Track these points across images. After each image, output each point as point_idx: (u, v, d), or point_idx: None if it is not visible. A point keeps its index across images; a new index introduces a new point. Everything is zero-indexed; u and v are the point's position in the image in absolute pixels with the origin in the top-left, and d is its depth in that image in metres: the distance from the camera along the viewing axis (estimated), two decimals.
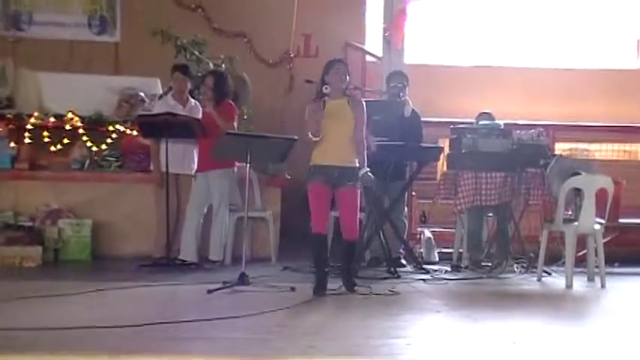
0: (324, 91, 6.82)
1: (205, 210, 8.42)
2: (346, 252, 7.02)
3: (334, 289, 6.89)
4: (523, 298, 7.21)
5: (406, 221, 8.92)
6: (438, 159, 8.91)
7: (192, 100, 8.73)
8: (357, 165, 6.91)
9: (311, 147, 6.91)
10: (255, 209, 8.86)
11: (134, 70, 10.54)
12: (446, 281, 7.80)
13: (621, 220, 9.46)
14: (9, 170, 8.97)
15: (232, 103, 8.47)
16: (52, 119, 9.11)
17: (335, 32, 11.21)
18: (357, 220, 7.11)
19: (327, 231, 7.05)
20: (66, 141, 9.11)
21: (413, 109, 8.65)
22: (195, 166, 8.55)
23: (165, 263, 8.16)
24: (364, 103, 7.08)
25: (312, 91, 7.16)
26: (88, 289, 6.62)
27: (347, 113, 6.89)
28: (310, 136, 6.80)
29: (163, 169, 8.43)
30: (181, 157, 8.53)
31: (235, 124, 8.35)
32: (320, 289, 6.78)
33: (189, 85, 8.74)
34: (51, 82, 9.62)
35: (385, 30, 9.75)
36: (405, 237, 8.74)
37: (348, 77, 6.95)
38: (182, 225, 8.40)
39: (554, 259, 8.44)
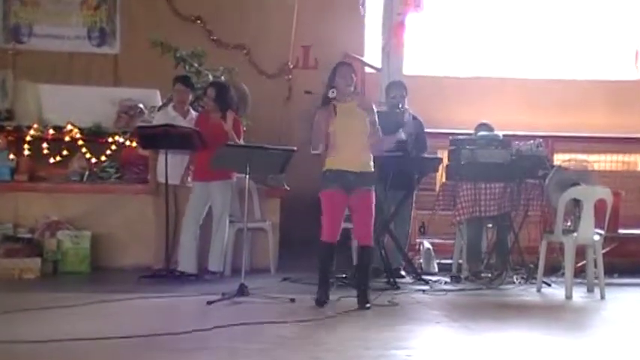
0: (331, 95, 6.71)
1: (202, 220, 8.41)
2: (361, 262, 6.89)
3: (333, 300, 6.89)
4: (523, 309, 7.21)
5: (410, 231, 8.91)
6: (437, 170, 8.92)
7: (193, 112, 8.75)
8: (373, 170, 6.83)
9: (322, 154, 6.80)
10: (255, 220, 8.86)
11: (133, 81, 10.55)
12: (445, 292, 7.80)
13: (620, 231, 9.46)
14: (8, 182, 8.96)
15: (237, 117, 8.46)
16: (51, 131, 9.11)
17: (334, 43, 11.24)
18: (372, 224, 6.92)
19: (336, 241, 6.88)
20: (65, 152, 9.11)
21: (414, 116, 8.62)
22: (184, 176, 8.56)
23: (165, 274, 8.14)
24: (372, 102, 6.95)
25: (311, 102, 7.14)
26: (87, 301, 6.61)
27: (359, 115, 6.76)
28: (313, 150, 6.71)
29: (159, 179, 8.46)
30: (180, 168, 8.53)
31: (241, 141, 8.33)
32: (322, 300, 6.74)
33: (190, 97, 8.76)
34: (50, 94, 9.62)
35: (384, 44, 9.78)
36: (405, 247, 8.74)
37: (355, 78, 6.85)
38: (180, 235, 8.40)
39: (554, 269, 8.45)
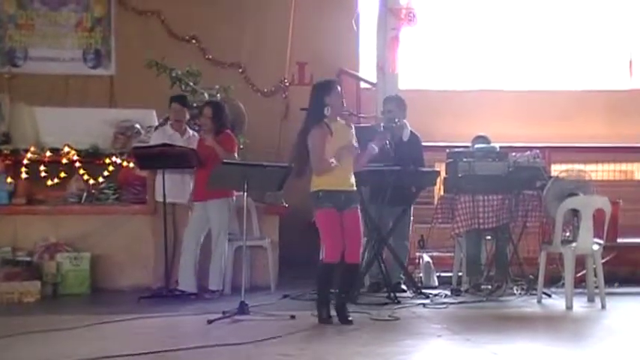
0: (326, 113, 6.72)
1: (202, 239, 8.41)
2: (347, 278, 6.86)
3: (334, 315, 6.87)
4: (524, 321, 7.20)
5: (409, 245, 8.91)
6: (435, 183, 8.92)
7: (191, 131, 8.77)
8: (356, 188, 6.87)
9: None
10: (254, 238, 8.86)
11: (129, 102, 10.58)
12: (446, 305, 7.79)
13: (619, 240, 9.45)
14: (6, 205, 8.96)
15: (232, 134, 8.51)
16: (48, 153, 9.11)
17: (329, 60, 11.26)
18: (361, 243, 7.01)
19: (339, 259, 6.81)
20: (63, 175, 9.09)
21: (412, 132, 8.68)
22: (191, 195, 8.57)
23: (165, 294, 8.14)
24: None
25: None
26: (87, 323, 6.60)
27: (348, 134, 6.82)
28: (326, 168, 6.66)
29: (157, 198, 8.47)
30: (178, 186, 8.53)
31: (236, 155, 8.36)
32: (326, 318, 6.70)
33: (187, 116, 8.78)
34: (47, 117, 9.63)
35: (379, 59, 9.80)
36: (405, 261, 8.73)
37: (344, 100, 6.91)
38: (180, 255, 8.39)
39: (554, 280, 8.44)
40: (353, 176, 6.86)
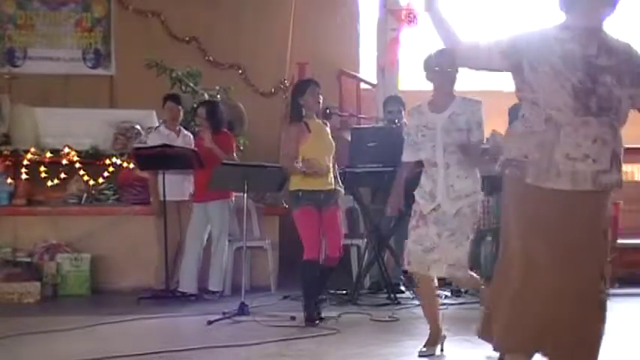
0: (302, 113, 6.78)
1: (205, 240, 8.41)
2: (323, 274, 6.88)
3: (334, 317, 6.88)
4: None
5: None
6: None
7: (184, 130, 8.76)
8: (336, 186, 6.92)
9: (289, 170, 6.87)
10: (254, 239, 8.85)
11: (129, 102, 10.56)
12: (446, 306, 7.77)
13: (620, 241, 9.43)
14: (6, 206, 8.97)
15: (230, 134, 8.50)
16: (48, 154, 9.11)
17: (329, 60, 11.25)
18: (342, 238, 7.05)
19: (320, 257, 6.89)
20: (63, 176, 9.10)
21: None
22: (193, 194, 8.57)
23: (165, 295, 8.13)
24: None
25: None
26: (87, 324, 6.60)
27: (328, 134, 6.89)
28: (291, 167, 6.73)
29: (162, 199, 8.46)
30: (180, 184, 8.52)
31: (235, 154, 8.36)
32: (312, 319, 6.71)
33: (181, 114, 8.77)
34: (47, 117, 9.63)
35: (379, 60, 9.81)
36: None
37: (321, 98, 6.92)
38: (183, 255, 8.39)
39: None
40: (332, 175, 6.89)
